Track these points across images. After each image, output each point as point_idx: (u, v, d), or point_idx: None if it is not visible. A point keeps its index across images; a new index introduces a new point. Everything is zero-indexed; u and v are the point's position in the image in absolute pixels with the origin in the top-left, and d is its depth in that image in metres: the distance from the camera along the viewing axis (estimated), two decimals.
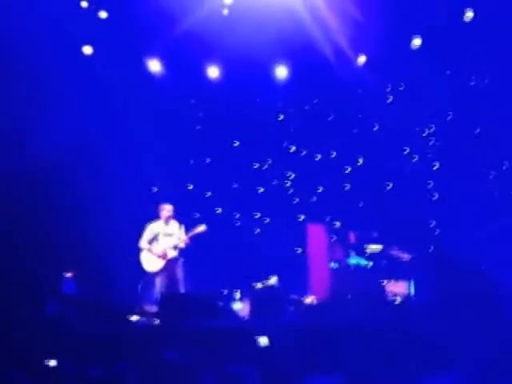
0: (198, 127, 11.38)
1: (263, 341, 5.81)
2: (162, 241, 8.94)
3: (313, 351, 6.17)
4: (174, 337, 6.34)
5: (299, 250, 10.79)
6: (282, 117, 11.55)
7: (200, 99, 11.31)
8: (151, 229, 9.00)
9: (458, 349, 6.08)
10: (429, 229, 9.35)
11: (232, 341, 6.20)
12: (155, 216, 9.20)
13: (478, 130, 10.45)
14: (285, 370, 5.35)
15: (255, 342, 5.99)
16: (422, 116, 10.86)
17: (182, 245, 8.91)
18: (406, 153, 10.94)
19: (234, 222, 11.31)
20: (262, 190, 11.37)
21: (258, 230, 11.21)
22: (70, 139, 9.66)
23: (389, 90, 11.11)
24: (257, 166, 11.43)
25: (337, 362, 6.10)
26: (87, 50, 10.72)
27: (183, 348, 6.01)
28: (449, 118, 10.79)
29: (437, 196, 10.43)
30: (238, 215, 11.31)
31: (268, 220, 11.26)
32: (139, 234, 9.09)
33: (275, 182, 11.40)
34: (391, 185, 10.94)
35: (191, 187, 11.14)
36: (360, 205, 10.77)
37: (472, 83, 10.64)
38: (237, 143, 11.47)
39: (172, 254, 8.88)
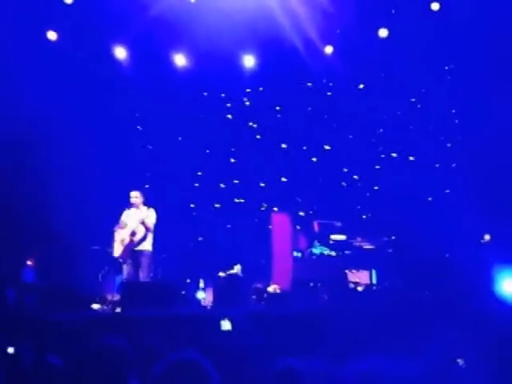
0: (164, 115, 11.22)
1: (225, 324, 5.78)
2: (128, 227, 8.85)
3: (274, 337, 6.18)
4: (132, 325, 6.29)
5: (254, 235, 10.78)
6: (248, 104, 11.50)
7: (166, 87, 11.15)
8: (124, 215, 8.91)
9: (417, 335, 6.15)
10: (391, 219, 9.40)
11: (193, 328, 6.18)
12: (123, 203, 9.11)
13: (439, 123, 10.54)
14: (245, 355, 5.31)
15: (217, 328, 5.97)
16: (388, 107, 10.89)
17: (146, 228, 8.76)
18: (371, 142, 10.96)
19: (198, 212, 11.25)
20: (227, 179, 11.32)
21: (223, 219, 11.17)
22: (34, 122, 9.56)
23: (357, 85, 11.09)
24: (221, 155, 11.37)
25: (298, 347, 6.14)
26: (51, 35, 10.55)
27: (141, 336, 5.97)
28: (413, 110, 10.84)
29: (398, 186, 10.50)
30: (203, 204, 11.25)
31: (233, 209, 11.23)
32: (105, 221, 8.99)
33: (240, 171, 11.36)
34: (356, 176, 11.00)
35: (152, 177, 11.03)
36: (324, 195, 10.78)
37: (439, 76, 10.69)
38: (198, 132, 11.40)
39: (130, 240, 8.73)
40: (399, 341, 6.01)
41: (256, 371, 4.16)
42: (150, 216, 8.75)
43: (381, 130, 10.96)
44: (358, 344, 5.79)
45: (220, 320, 5.78)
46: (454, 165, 10.23)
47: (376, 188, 10.83)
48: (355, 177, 11.01)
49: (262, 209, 11.12)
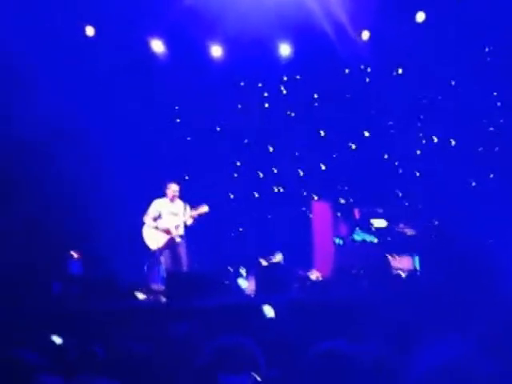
0: (201, 107, 11.29)
1: (268, 310, 5.83)
2: (165, 219, 8.96)
3: (316, 324, 6.20)
4: (179, 314, 6.37)
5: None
6: (285, 93, 11.48)
7: (203, 79, 11.20)
8: (156, 206, 9.02)
9: (461, 322, 6.10)
10: (433, 204, 9.30)
11: (238, 316, 6.23)
12: (161, 195, 9.21)
13: (483, 108, 10.35)
14: (288, 342, 5.34)
15: (261, 316, 6.02)
16: (427, 92, 10.74)
17: (187, 223, 8.92)
18: (411, 127, 10.84)
19: (238, 202, 11.30)
20: (266, 168, 11.35)
21: (263, 209, 11.20)
22: (74, 119, 9.70)
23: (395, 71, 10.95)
24: (259, 144, 11.40)
25: (340, 333, 6.14)
26: (89, 31, 10.67)
27: (188, 325, 6.04)
28: (454, 93, 10.65)
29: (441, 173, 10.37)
30: (243, 194, 11.30)
31: (272, 198, 11.26)
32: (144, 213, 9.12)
33: (279, 160, 11.37)
34: (397, 162, 10.90)
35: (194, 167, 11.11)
36: (365, 182, 10.70)
37: (479, 59, 10.48)
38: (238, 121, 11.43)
39: (175, 232, 8.88)
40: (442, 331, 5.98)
41: (299, 354, 4.20)
42: (185, 207, 8.90)
43: (421, 116, 10.79)
44: (403, 331, 5.78)
45: (263, 307, 5.82)
46: (496, 148, 10.04)
47: (418, 174, 10.72)
48: (400, 170, 10.91)
49: (303, 196, 11.12)
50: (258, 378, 3.02)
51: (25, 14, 9.27)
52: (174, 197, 9.02)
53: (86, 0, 10.13)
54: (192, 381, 3.35)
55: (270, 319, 5.79)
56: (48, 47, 9.57)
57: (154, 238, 8.90)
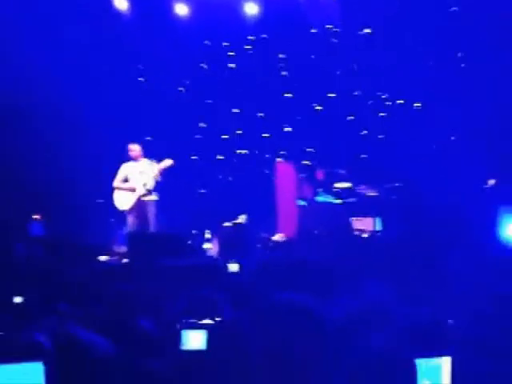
0: (165, 66, 11.12)
1: (233, 267, 5.90)
2: (133, 179, 8.91)
3: (279, 283, 6.26)
4: (141, 275, 6.36)
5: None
6: (251, 53, 11.36)
7: (168, 37, 11.01)
8: (123, 169, 8.96)
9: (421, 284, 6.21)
10: (395, 166, 9.36)
11: (202, 274, 6.26)
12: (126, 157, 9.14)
13: (444, 68, 10.38)
14: (255, 291, 5.41)
15: (225, 272, 6.08)
16: (394, 53, 10.69)
17: (156, 178, 8.84)
18: (376, 89, 10.85)
19: (201, 164, 11.25)
20: (230, 130, 11.29)
21: (226, 171, 11.19)
22: (37, 78, 9.51)
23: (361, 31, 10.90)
24: (228, 107, 11.30)
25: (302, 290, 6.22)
26: None
27: (152, 283, 6.06)
28: (420, 55, 10.65)
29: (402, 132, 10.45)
30: (206, 156, 11.25)
31: (236, 160, 11.24)
32: (110, 174, 9.03)
33: (243, 122, 11.30)
34: (360, 124, 10.93)
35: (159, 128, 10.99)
36: (329, 143, 10.73)
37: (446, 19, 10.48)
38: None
39: (142, 190, 8.83)
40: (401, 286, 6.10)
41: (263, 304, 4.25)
42: (154, 166, 8.82)
43: (386, 77, 10.76)
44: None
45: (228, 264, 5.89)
46: (458, 111, 10.09)
47: (381, 136, 10.77)
48: (364, 132, 10.91)
49: (266, 158, 11.11)
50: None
51: None
52: (136, 157, 8.96)
53: None
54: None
55: (235, 273, 5.87)
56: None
57: (122, 200, 8.86)
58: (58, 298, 5.67)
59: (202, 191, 11.06)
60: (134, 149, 8.94)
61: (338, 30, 11.01)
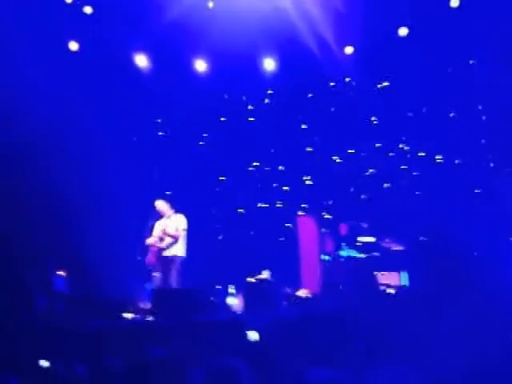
0: (185, 120, 11.26)
1: (253, 335, 5.82)
2: (158, 236, 8.93)
3: (306, 343, 6.18)
4: (165, 333, 6.32)
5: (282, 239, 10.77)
6: (270, 107, 11.47)
7: (187, 93, 11.18)
8: (155, 227, 9.02)
9: (449, 340, 6.11)
10: (419, 219, 9.31)
11: (224, 335, 6.20)
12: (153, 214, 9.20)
13: (466, 121, 10.41)
14: (278, 362, 5.34)
15: (247, 337, 6.00)
16: (411, 108, 10.80)
17: (173, 237, 8.84)
18: (397, 142, 10.89)
19: (227, 217, 11.25)
20: (253, 183, 11.32)
21: (248, 224, 11.18)
22: (54, 134, 9.64)
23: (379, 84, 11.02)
24: (248, 161, 11.38)
25: (330, 353, 6.12)
26: (73, 45, 10.63)
27: (174, 344, 6.01)
28: (438, 107, 10.72)
29: (426, 187, 10.42)
30: (227, 210, 11.26)
31: (257, 214, 11.23)
32: (134, 231, 9.07)
33: (266, 175, 11.34)
34: (386, 183, 10.93)
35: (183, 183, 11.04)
36: (351, 196, 10.72)
37: (462, 72, 10.57)
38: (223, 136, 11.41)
39: (158, 244, 8.82)
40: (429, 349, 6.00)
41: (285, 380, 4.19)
42: (178, 222, 8.81)
43: (406, 130, 10.82)
44: (385, 350, 5.79)
45: (247, 330, 5.82)
46: (482, 163, 10.08)
47: (404, 189, 10.74)
48: (386, 184, 10.94)
49: (288, 211, 11.09)
50: None
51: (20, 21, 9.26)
52: (163, 212, 8.99)
53: (71, 15, 10.11)
54: None
55: (256, 342, 5.79)
56: (37, 59, 9.51)
57: (149, 257, 8.89)
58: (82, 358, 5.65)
59: (221, 240, 11.04)
60: (159, 204, 8.99)
61: (354, 83, 11.11)
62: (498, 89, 9.91)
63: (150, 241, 8.84)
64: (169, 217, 8.97)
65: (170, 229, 8.85)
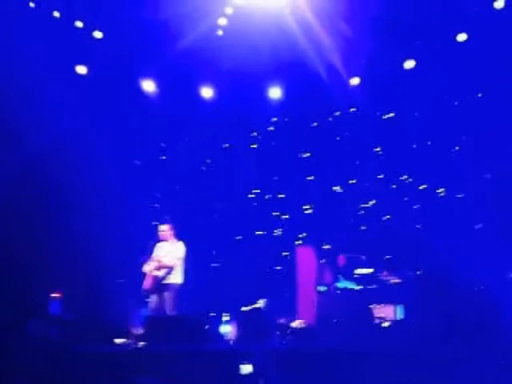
0: (191, 146, 11.32)
1: (246, 369, 5.75)
2: (153, 259, 8.90)
3: (298, 376, 6.10)
4: (156, 361, 6.27)
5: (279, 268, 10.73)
6: (274, 135, 11.52)
7: (193, 118, 11.25)
8: (155, 248, 8.99)
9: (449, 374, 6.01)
10: (417, 252, 9.25)
11: (215, 365, 6.14)
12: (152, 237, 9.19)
13: (469, 152, 10.37)
14: None
15: (239, 369, 5.94)
16: (414, 138, 10.80)
17: (168, 265, 8.81)
18: (397, 174, 10.87)
19: (225, 244, 11.22)
20: (253, 210, 11.31)
21: (246, 253, 11.13)
22: (66, 164, 9.73)
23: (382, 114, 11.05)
24: (249, 188, 11.40)
25: None
26: (81, 69, 10.75)
27: (162, 373, 5.96)
28: (444, 140, 10.70)
29: (423, 220, 10.37)
30: (225, 237, 11.24)
31: (255, 242, 11.20)
32: (129, 255, 9.05)
33: (266, 203, 11.34)
34: (386, 215, 10.89)
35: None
36: (350, 227, 10.69)
37: (468, 105, 10.56)
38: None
39: (153, 272, 8.77)
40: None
41: None
42: (177, 250, 8.79)
43: (409, 162, 10.80)
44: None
45: (240, 364, 5.75)
46: (481, 197, 10.02)
47: (404, 222, 10.68)
48: (386, 216, 10.89)
49: (287, 241, 11.06)
50: None
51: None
52: (166, 236, 8.97)
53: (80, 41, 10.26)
54: None
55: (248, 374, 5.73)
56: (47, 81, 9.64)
57: (146, 281, 8.84)
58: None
59: (222, 272, 10.99)
60: (162, 229, 8.97)
61: (359, 113, 11.13)
62: (504, 124, 9.87)
63: (146, 269, 8.79)
64: (169, 241, 8.94)
65: (167, 258, 8.80)
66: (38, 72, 9.58)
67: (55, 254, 9.46)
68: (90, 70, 10.76)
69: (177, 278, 8.77)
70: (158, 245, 9.01)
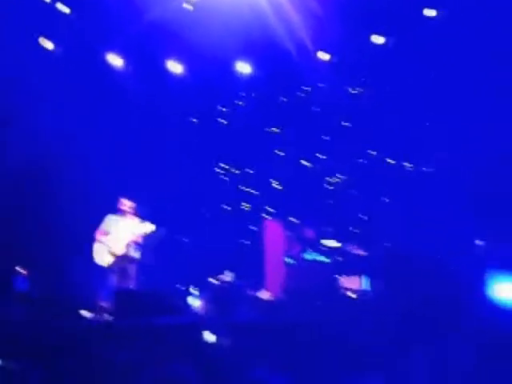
0: (158, 121, 11.23)
1: (209, 337, 5.81)
2: (116, 236, 8.85)
3: (265, 347, 6.17)
4: (124, 334, 6.29)
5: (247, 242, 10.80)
6: (243, 110, 11.50)
7: (162, 94, 11.17)
8: (109, 222, 8.90)
9: (411, 347, 6.13)
10: (384, 225, 9.36)
11: (182, 338, 6.18)
12: (113, 211, 9.10)
13: (440, 130, 10.47)
14: (232, 366, 5.35)
15: (204, 339, 6.00)
16: (384, 114, 10.86)
17: (135, 242, 8.82)
18: (367, 149, 10.95)
19: (192, 219, 11.21)
20: (221, 185, 11.31)
21: (215, 226, 11.14)
22: (27, 135, 9.59)
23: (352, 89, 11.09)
24: (217, 163, 11.38)
25: (289, 357, 6.12)
26: (48, 44, 10.59)
27: (130, 346, 5.98)
28: (410, 115, 10.77)
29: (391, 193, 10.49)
30: (197, 211, 11.23)
31: (224, 216, 11.21)
32: (95, 229, 8.98)
33: (233, 178, 11.34)
34: (353, 189, 10.97)
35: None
36: (318, 201, 10.76)
37: (438, 81, 10.63)
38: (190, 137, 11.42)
39: (125, 250, 8.78)
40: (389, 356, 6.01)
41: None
42: (138, 226, 8.80)
43: (377, 137, 10.88)
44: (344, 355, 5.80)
45: (204, 332, 5.80)
46: (447, 171, 10.15)
47: (371, 196, 10.79)
48: (353, 190, 10.95)
49: (255, 215, 11.10)
50: None
51: None
52: (127, 213, 8.93)
53: (45, 15, 10.09)
54: None
55: (211, 344, 5.78)
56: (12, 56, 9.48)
57: (104, 255, 8.78)
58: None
59: (190, 246, 11.00)
60: (128, 205, 8.94)
61: (327, 89, 11.15)
62: (476, 99, 9.96)
63: (112, 242, 8.76)
64: (125, 217, 8.92)
65: (128, 233, 8.81)
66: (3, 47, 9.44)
67: (21, 231, 9.37)
68: (56, 45, 10.62)
69: (137, 252, 8.83)
70: (114, 218, 8.95)
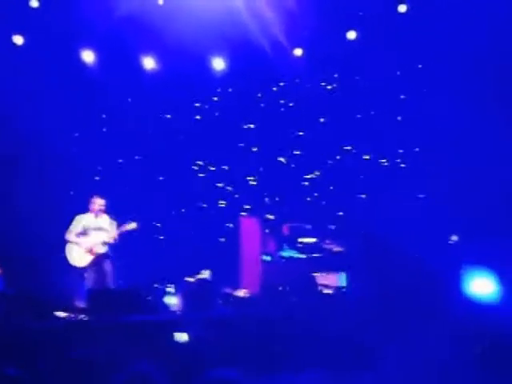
0: (132, 117, 11.12)
1: (181, 337, 5.78)
2: (90, 235, 8.74)
3: (241, 344, 6.14)
4: (97, 333, 6.23)
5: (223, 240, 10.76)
6: (217, 106, 11.43)
7: (135, 90, 11.06)
8: (80, 221, 8.77)
9: (387, 346, 6.15)
10: (360, 221, 9.39)
11: (155, 336, 6.14)
12: (85, 210, 8.98)
13: (413, 125, 10.53)
14: (203, 364, 5.30)
15: (175, 337, 5.97)
16: (359, 108, 10.90)
17: (110, 241, 8.73)
18: (343, 145, 10.97)
19: (167, 216, 11.13)
20: (196, 182, 11.23)
21: (190, 224, 11.08)
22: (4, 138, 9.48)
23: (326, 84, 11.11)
24: (192, 159, 11.30)
25: (263, 353, 6.10)
26: (18, 39, 10.43)
27: (105, 345, 5.92)
28: (383, 110, 10.83)
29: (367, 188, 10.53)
30: (169, 208, 11.14)
31: (199, 213, 11.15)
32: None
33: (208, 174, 11.28)
34: (330, 185, 10.98)
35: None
36: (295, 198, 10.76)
37: (410, 75, 10.70)
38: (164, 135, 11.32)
39: (100, 249, 8.68)
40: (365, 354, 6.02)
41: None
42: (111, 224, 8.74)
43: (353, 132, 10.91)
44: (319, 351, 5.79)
45: (176, 333, 5.78)
46: (425, 168, 10.23)
47: (346, 191, 10.81)
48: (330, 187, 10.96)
49: (231, 211, 11.06)
50: None
51: None
52: (99, 211, 8.82)
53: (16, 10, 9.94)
54: None
55: (183, 342, 5.74)
56: None
57: (78, 256, 8.67)
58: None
59: (166, 244, 10.92)
60: (100, 203, 8.82)
61: (302, 84, 11.15)
62: (450, 93, 10.04)
63: (88, 241, 8.66)
64: (98, 216, 8.82)
65: (103, 231, 8.74)
66: None
67: None
68: (26, 40, 10.46)
69: (109, 250, 8.77)
70: (85, 217, 8.85)
